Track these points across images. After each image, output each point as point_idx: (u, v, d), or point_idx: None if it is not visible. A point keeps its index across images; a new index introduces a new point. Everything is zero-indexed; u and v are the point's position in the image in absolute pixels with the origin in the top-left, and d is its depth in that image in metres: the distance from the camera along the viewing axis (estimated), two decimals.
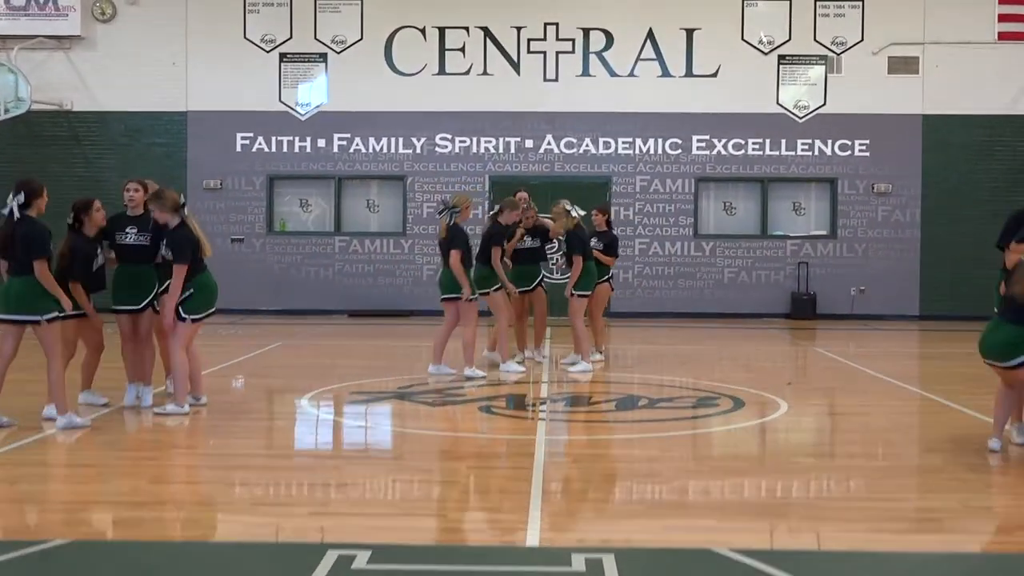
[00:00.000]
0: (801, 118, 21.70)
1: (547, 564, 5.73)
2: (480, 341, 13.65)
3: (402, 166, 21.91)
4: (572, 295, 13.10)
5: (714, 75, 21.67)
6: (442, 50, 21.77)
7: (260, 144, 21.93)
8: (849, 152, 21.70)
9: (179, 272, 9.60)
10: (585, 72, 21.76)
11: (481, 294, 12.79)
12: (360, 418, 10.39)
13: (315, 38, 21.87)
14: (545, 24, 21.72)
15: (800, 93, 21.72)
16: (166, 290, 9.81)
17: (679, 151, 21.80)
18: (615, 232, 14.77)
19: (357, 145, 21.92)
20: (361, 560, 5.59)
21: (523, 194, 14.04)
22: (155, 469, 7.96)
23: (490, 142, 21.84)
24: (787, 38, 21.69)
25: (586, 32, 21.76)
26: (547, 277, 13.81)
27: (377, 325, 19.94)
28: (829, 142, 21.71)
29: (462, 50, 21.74)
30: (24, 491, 7.25)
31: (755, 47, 21.69)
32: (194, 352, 10.07)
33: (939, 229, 21.50)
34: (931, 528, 6.54)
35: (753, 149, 21.76)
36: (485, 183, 21.74)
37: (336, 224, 22.16)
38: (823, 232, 21.93)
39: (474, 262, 12.69)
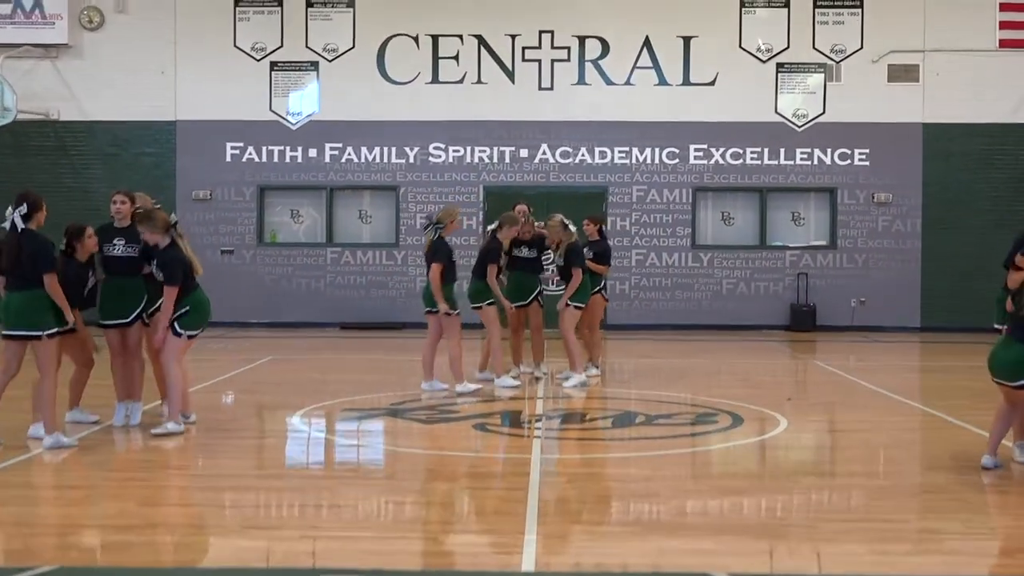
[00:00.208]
0: (800, 127, 21.57)
1: None
2: (474, 356, 13.53)
3: (395, 176, 21.75)
4: (567, 305, 12.96)
5: (712, 83, 21.54)
6: (435, 58, 21.62)
7: (250, 154, 21.76)
8: (849, 161, 21.57)
9: (170, 294, 9.53)
10: (581, 80, 21.62)
11: (474, 308, 12.71)
12: (352, 436, 10.26)
13: (306, 46, 21.71)
14: (540, 32, 21.60)
15: (799, 102, 21.58)
16: (159, 309, 9.70)
17: (676, 160, 21.65)
18: (608, 242, 14.62)
19: (349, 155, 21.76)
20: None
21: (522, 206, 13.85)
22: (144, 490, 7.83)
23: (484, 152, 21.68)
24: (786, 46, 21.56)
25: (582, 40, 21.62)
26: (544, 290, 13.62)
27: (369, 338, 19.78)
28: (828, 151, 21.56)
29: (456, 58, 21.61)
30: (10, 514, 7.10)
31: (753, 55, 21.56)
32: (182, 369, 9.92)
33: (940, 239, 21.35)
34: (933, 550, 6.44)
35: (751, 158, 21.62)
36: (479, 193, 21.59)
37: (328, 235, 21.99)
38: (823, 242, 21.79)
39: (457, 276, 12.55)
